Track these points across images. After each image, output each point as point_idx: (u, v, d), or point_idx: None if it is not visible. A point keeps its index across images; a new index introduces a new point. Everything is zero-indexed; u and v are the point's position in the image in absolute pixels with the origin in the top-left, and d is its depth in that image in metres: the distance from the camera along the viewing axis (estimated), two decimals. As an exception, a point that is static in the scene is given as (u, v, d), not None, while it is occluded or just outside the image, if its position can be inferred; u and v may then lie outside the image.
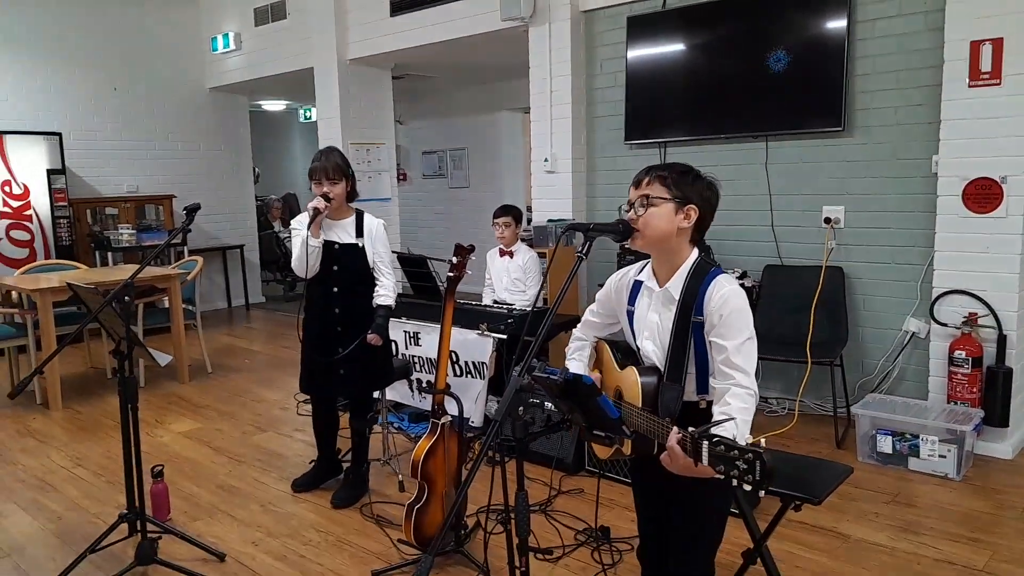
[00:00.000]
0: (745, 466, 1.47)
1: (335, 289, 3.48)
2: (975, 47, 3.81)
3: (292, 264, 3.51)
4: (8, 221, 7.13)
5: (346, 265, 3.48)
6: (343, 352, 3.47)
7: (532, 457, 3.89)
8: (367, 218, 3.56)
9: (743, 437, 1.73)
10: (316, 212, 3.34)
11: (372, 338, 3.47)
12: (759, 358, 4.68)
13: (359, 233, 3.51)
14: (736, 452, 1.49)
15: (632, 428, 1.90)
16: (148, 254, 4.43)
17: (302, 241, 3.37)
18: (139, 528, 2.98)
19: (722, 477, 1.52)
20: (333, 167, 3.40)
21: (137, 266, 3.15)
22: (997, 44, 3.75)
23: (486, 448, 1.59)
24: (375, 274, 3.55)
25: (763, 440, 1.50)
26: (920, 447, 3.73)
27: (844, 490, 3.38)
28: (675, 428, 1.70)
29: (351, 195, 3.51)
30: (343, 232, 3.50)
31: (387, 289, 3.54)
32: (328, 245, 3.46)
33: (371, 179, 7.52)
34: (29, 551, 3.23)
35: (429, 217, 10.50)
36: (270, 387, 5.73)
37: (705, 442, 1.56)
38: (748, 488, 1.47)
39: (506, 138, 9.57)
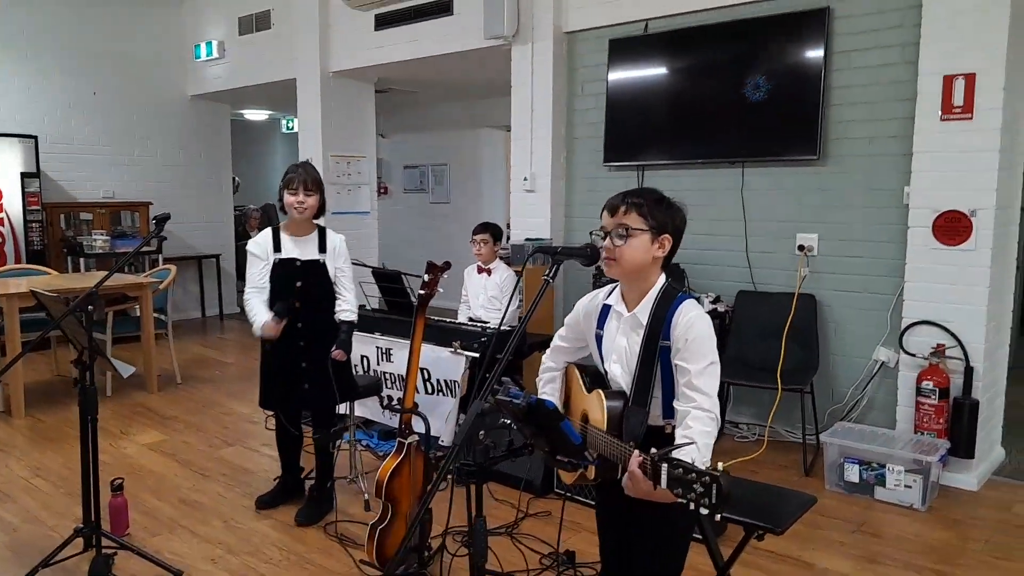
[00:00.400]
0: (702, 489, 1.49)
1: (298, 304, 3.46)
2: (948, 81, 3.87)
3: (244, 306, 3.53)
4: (-21, 224, 7.02)
5: (309, 282, 3.47)
6: (305, 367, 3.46)
7: (501, 478, 3.86)
8: (329, 234, 3.56)
9: (703, 460, 1.73)
10: (271, 337, 3.40)
11: (337, 354, 3.44)
12: (730, 383, 4.66)
13: (322, 249, 3.50)
14: (694, 475, 1.50)
15: (597, 452, 1.89)
16: (116, 263, 4.37)
17: (256, 305, 3.43)
18: (94, 543, 2.92)
19: (681, 500, 1.52)
20: (312, 179, 3.41)
21: (103, 275, 3.10)
22: (970, 79, 3.81)
23: (443, 472, 1.57)
24: (337, 289, 3.55)
25: (721, 464, 1.51)
26: (886, 477, 3.75)
27: (810, 518, 3.38)
28: (636, 451, 1.70)
29: (320, 210, 3.49)
30: (306, 248, 3.49)
31: (349, 304, 3.54)
32: (291, 262, 3.45)
33: (351, 192, 7.49)
34: (-19, 564, 3.15)
35: (409, 232, 10.48)
36: (240, 400, 5.65)
37: (664, 465, 1.57)
38: (705, 512, 1.49)
39: (488, 155, 9.60)
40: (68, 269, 7.60)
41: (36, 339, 2.95)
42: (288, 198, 3.39)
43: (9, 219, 7.17)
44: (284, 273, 3.45)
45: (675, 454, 1.61)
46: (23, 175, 7.25)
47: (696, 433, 1.78)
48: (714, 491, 1.46)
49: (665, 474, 1.56)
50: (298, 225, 3.48)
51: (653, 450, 1.64)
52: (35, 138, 7.39)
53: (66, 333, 3.10)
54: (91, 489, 2.92)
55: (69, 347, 6.01)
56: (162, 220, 3.05)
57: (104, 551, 2.90)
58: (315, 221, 3.55)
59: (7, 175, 7.16)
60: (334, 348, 3.45)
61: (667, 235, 1.92)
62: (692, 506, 1.49)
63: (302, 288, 3.46)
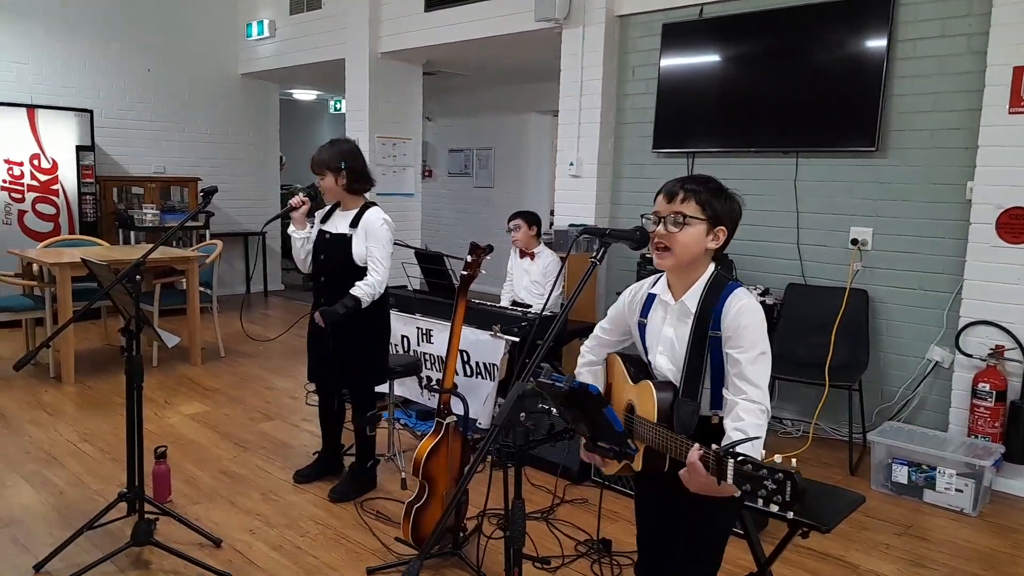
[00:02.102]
0: (774, 486, 1.44)
1: (322, 279, 3.48)
2: (1018, 73, 3.71)
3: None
4: (35, 194, 7.20)
5: (331, 255, 3.45)
6: (326, 342, 3.46)
7: (538, 463, 3.84)
8: (369, 211, 3.45)
9: (758, 454, 1.68)
10: (290, 207, 3.42)
11: (316, 315, 3.38)
12: (776, 377, 4.57)
13: (354, 224, 3.43)
14: (765, 472, 1.46)
15: (645, 443, 1.85)
16: (165, 235, 4.44)
17: (290, 235, 3.50)
18: (137, 508, 2.96)
19: (743, 494, 1.50)
20: (318, 160, 3.41)
21: (151, 246, 3.14)
22: (1041, 71, 3.65)
23: (482, 453, 1.54)
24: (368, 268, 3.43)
25: (794, 460, 1.47)
26: (936, 479, 3.63)
27: (855, 518, 3.29)
28: (696, 444, 1.66)
29: (351, 188, 3.44)
30: (341, 222, 3.47)
31: (367, 282, 3.37)
32: (321, 234, 3.47)
33: (396, 173, 7.51)
34: (28, 524, 3.22)
35: (452, 215, 10.49)
36: (281, 375, 5.72)
37: (731, 460, 1.52)
38: (775, 508, 1.44)
39: (534, 140, 9.53)
40: (119, 241, 7.76)
41: (84, 307, 3.00)
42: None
43: (64, 191, 7.34)
44: (316, 244, 3.50)
45: (739, 449, 1.57)
46: (78, 148, 7.41)
47: (750, 426, 1.73)
48: (788, 488, 1.41)
49: (732, 470, 1.51)
50: (344, 200, 3.49)
51: (715, 445, 1.60)
52: (91, 112, 7.54)
53: (114, 302, 3.14)
54: (135, 456, 2.96)
55: (119, 317, 6.15)
56: (209, 193, 3.08)
57: (146, 516, 2.94)
58: (364, 197, 3.52)
59: (63, 148, 7.33)
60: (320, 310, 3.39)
61: (723, 227, 1.86)
62: (761, 503, 1.45)
63: (323, 261, 3.47)
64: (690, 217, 1.82)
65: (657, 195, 1.91)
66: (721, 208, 1.86)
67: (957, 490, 3.58)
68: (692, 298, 1.88)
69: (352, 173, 3.42)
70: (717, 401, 1.87)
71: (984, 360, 3.84)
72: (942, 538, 3.35)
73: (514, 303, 5.01)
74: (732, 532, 2.79)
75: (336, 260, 3.43)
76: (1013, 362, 3.79)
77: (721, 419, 1.85)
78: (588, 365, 2.14)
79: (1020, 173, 3.73)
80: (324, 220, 3.53)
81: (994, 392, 3.76)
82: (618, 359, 2.08)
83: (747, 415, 1.74)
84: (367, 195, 3.56)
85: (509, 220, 5.07)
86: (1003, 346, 3.80)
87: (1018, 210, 3.75)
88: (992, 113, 3.81)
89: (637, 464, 1.88)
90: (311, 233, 3.53)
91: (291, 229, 3.49)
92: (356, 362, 3.49)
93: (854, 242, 4.43)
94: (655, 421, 1.83)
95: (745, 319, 1.80)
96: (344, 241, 3.41)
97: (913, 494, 3.70)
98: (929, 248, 4.21)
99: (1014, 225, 3.76)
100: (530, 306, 4.84)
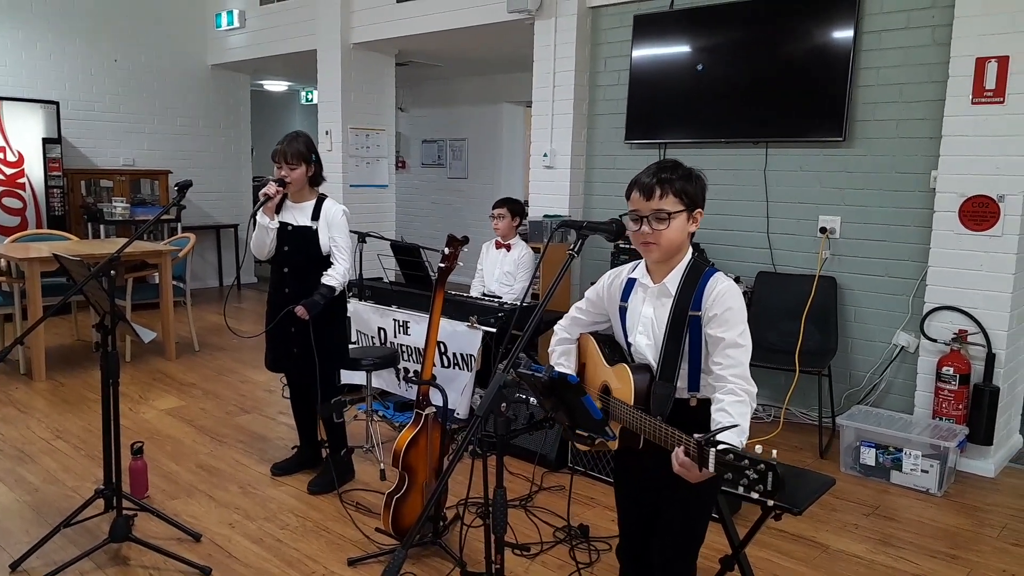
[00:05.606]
0: (756, 476, 1.48)
1: (286, 270, 3.50)
2: (980, 64, 3.80)
3: (249, 244, 3.55)
4: (1, 188, 7.07)
5: (297, 247, 3.47)
6: (293, 332, 3.46)
7: (515, 452, 3.88)
8: (327, 203, 3.53)
9: (742, 441, 1.74)
10: (266, 197, 3.37)
11: (298, 310, 3.39)
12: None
13: (315, 217, 3.48)
14: (747, 462, 1.50)
15: (622, 424, 1.89)
16: (138, 229, 4.39)
17: (258, 223, 3.45)
18: (115, 504, 2.96)
19: (724, 482, 1.53)
20: (293, 152, 3.39)
21: (125, 240, 3.11)
22: (1003, 62, 3.74)
23: (465, 443, 1.57)
24: (331, 259, 3.51)
25: (775, 452, 1.50)
26: (903, 461, 3.73)
27: (825, 500, 3.38)
28: (683, 437, 1.69)
29: (314, 180, 3.50)
30: (300, 215, 3.49)
31: (337, 272, 3.48)
32: (282, 226, 3.48)
33: (369, 165, 7.48)
34: (3, 523, 3.20)
35: (426, 206, 10.47)
36: (256, 368, 5.69)
37: (712, 449, 1.56)
38: (756, 497, 1.48)
39: (507, 131, 9.54)
40: (88, 235, 7.65)
41: (59, 303, 2.96)
42: (275, 172, 3.44)
43: (31, 184, 7.22)
44: (278, 236, 3.48)
45: (719, 437, 1.61)
46: (44, 141, 7.28)
47: (735, 412, 1.78)
48: (770, 479, 1.46)
49: (713, 459, 1.55)
50: (295, 192, 3.49)
51: (696, 435, 1.63)
52: (56, 104, 7.41)
53: (88, 298, 3.11)
54: (112, 452, 2.95)
55: (89, 312, 6.07)
56: (184, 187, 3.06)
57: (124, 512, 2.94)
58: (317, 189, 3.55)
59: (29, 140, 7.20)
60: (300, 303, 3.40)
61: (699, 210, 1.92)
62: (742, 491, 1.49)
63: (288, 252, 3.48)
64: (673, 213, 1.86)
65: (630, 190, 1.92)
66: (694, 191, 1.90)
67: (923, 471, 3.68)
68: (672, 281, 1.93)
69: (319, 165, 3.52)
70: (695, 383, 1.92)
71: (948, 344, 3.95)
72: (909, 518, 3.45)
73: (485, 295, 5.02)
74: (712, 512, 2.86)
75: (303, 252, 3.48)
76: (976, 346, 3.90)
77: (700, 401, 1.90)
78: (563, 343, 2.19)
79: (983, 162, 3.83)
80: (278, 211, 3.52)
81: (958, 375, 3.87)
82: (591, 340, 2.12)
83: (728, 396, 1.79)
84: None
85: (494, 207, 5.01)
86: (966, 331, 3.91)
87: (981, 198, 3.85)
88: (956, 103, 3.90)
89: (614, 444, 1.93)
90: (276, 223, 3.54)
91: (261, 217, 3.45)
92: (323, 351, 3.49)
93: (823, 230, 4.52)
94: (632, 403, 1.87)
95: (727, 300, 1.86)
96: (310, 233, 3.47)
97: (881, 476, 3.80)
98: (895, 236, 4.30)
99: (977, 213, 3.86)
100: (502, 297, 4.85)
